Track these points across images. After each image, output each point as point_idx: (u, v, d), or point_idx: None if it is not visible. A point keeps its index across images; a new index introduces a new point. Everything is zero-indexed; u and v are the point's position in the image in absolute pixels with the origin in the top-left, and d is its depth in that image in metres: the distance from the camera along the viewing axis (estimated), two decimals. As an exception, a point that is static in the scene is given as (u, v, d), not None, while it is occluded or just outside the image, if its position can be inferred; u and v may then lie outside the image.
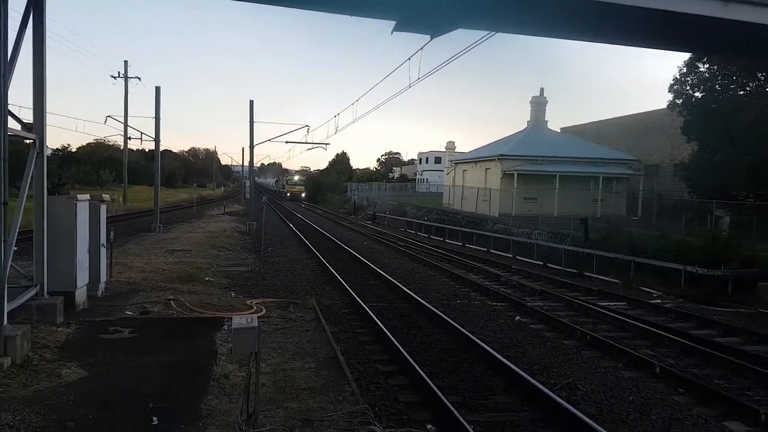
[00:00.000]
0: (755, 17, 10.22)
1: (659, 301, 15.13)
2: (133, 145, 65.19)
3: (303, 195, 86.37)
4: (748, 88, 24.15)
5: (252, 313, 11.11)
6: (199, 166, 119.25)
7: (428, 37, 10.30)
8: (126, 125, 43.77)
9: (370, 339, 10.35)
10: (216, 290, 13.94)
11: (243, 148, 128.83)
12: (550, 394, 7.36)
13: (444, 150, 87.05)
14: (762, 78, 23.62)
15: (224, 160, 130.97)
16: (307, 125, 35.01)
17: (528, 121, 42.92)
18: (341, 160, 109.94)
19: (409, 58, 12.83)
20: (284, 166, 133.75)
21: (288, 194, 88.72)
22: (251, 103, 33.98)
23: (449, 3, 8.81)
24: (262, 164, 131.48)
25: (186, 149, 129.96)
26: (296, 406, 6.72)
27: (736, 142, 21.22)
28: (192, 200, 47.59)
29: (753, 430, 6.92)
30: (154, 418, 6.07)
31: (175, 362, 7.97)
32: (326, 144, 38.87)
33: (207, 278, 15.43)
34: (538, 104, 42.64)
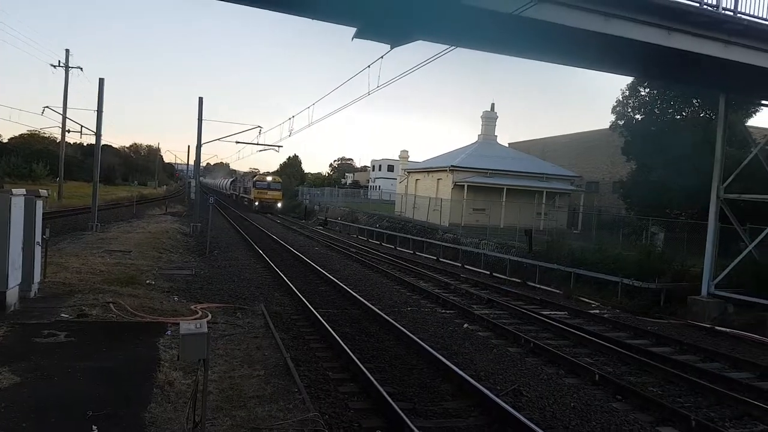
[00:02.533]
0: (695, 47, 10.88)
1: (598, 311, 15.73)
2: (71, 138, 62.28)
3: (279, 205, 58.62)
4: (684, 113, 25.58)
5: (200, 318, 10.82)
6: (141, 163, 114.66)
7: (388, 46, 10.39)
8: (65, 117, 41.79)
9: (320, 346, 10.28)
10: (158, 294, 13.48)
11: (189, 146, 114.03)
12: (497, 400, 7.53)
13: (397, 158, 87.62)
14: (697, 104, 25.07)
15: (168, 158, 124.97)
16: (259, 126, 34.14)
17: (479, 135, 43.93)
18: (293, 163, 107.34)
19: (369, 66, 12.87)
20: (232, 167, 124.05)
21: (256, 202, 58.08)
22: (200, 100, 33.11)
23: (407, 15, 8.94)
24: (208, 164, 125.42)
25: (127, 145, 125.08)
26: (244, 415, 6.59)
27: (671, 163, 22.38)
28: (132, 199, 45.93)
29: (685, 435, 7.29)
30: (94, 427, 5.80)
31: (116, 368, 7.65)
32: (279, 146, 38.08)
33: (148, 281, 14.89)
34: (489, 119, 43.76)
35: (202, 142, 34.04)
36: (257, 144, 37.91)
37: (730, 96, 15.46)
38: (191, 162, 52.40)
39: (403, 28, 9.59)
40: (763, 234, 15.03)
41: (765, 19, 11.44)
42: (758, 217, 16.61)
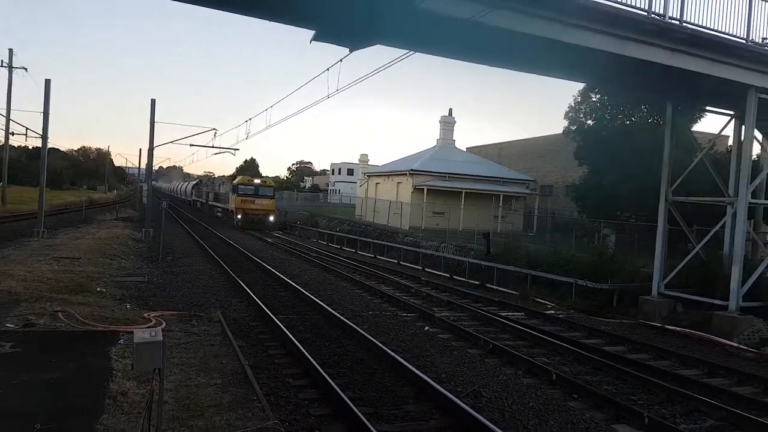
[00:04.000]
0: (645, 55, 11.28)
1: (553, 311, 16.08)
2: (15, 141, 59.66)
3: (272, 218, 42.52)
4: (633, 119, 26.52)
5: (154, 326, 10.51)
6: (90, 167, 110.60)
7: (347, 49, 10.37)
8: (8, 119, 39.95)
9: (280, 353, 10.13)
10: (109, 302, 13.02)
11: (140, 150, 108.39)
12: (457, 401, 7.59)
13: (357, 162, 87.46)
14: (645, 110, 26.02)
15: (119, 162, 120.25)
16: (214, 129, 33.08)
17: (437, 139, 44.41)
18: (250, 166, 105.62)
19: (328, 69, 12.81)
20: (186, 170, 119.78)
21: (239, 215, 41.34)
22: (152, 102, 32.27)
23: (365, 19, 8.95)
24: (160, 167, 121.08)
25: (76, 148, 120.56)
26: (202, 424, 6.43)
27: (621, 167, 23.14)
28: (81, 203, 44.30)
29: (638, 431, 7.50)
30: (43, 440, 5.55)
31: (66, 379, 7.34)
32: (235, 149, 37.34)
33: (99, 289, 14.37)
34: (447, 124, 44.33)
35: (154, 145, 33.22)
36: (212, 147, 37.25)
37: (677, 102, 16.08)
38: (143, 165, 50.44)
39: (361, 33, 9.60)
40: (709, 235, 15.67)
41: (707, 28, 11.97)
42: (704, 218, 17.33)
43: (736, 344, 12.54)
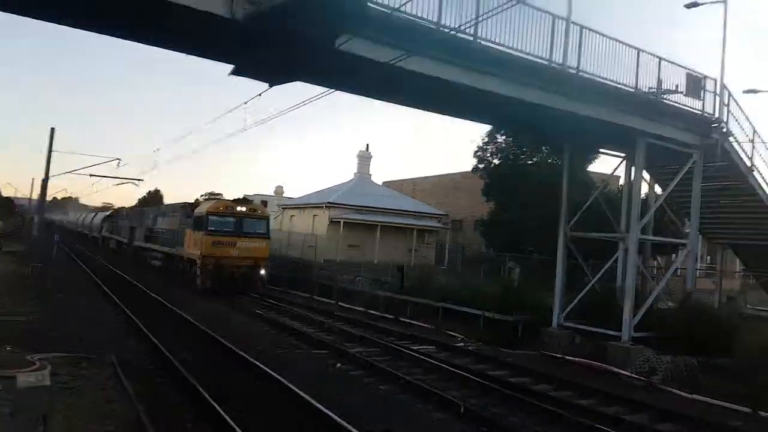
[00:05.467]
0: (545, 101, 12.08)
1: (463, 344, 16.40)
2: None
3: (263, 272, 25.02)
4: (535, 159, 28.19)
5: (35, 369, 9.59)
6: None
7: (266, 84, 10.32)
8: None
9: (180, 398, 9.54)
10: (-15, 343, 11.81)
11: (33, 179, 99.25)
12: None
13: (272, 194, 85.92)
14: (546, 151, 27.76)
15: (7, 192, 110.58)
16: (118, 159, 30.54)
17: (354, 173, 44.86)
18: (154, 198, 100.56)
19: (246, 103, 12.65)
20: (83, 201, 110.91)
21: (208, 266, 23.67)
22: (52, 130, 30.36)
23: (285, 57, 8.96)
24: (54, 198, 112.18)
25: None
26: (91, 477, 5.91)
27: (524, 204, 24.43)
28: (-41, 236, 40.06)
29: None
30: None
31: (-70, 434, 6.50)
32: (139, 180, 35.18)
33: (-26, 329, 13.04)
34: (364, 158, 44.97)
35: (51, 175, 31.01)
36: (115, 177, 35.09)
37: (574, 145, 17.26)
38: (36, 196, 45.84)
39: (281, 69, 9.60)
40: (603, 269, 16.74)
41: (602, 78, 13.02)
42: (599, 253, 18.51)
43: (628, 373, 13.24)
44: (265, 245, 25.36)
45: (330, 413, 8.53)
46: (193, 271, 24.75)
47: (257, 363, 11.64)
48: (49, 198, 54.46)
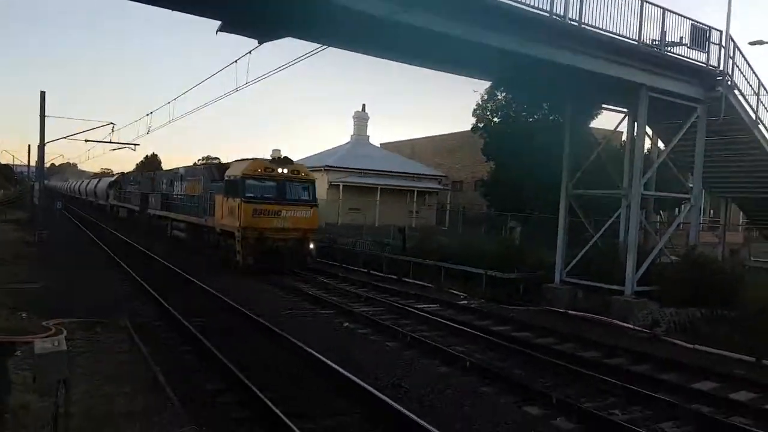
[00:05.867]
0: (546, 55, 11.93)
1: (466, 302, 16.66)
2: None
3: (312, 245, 21.69)
4: (536, 116, 27.90)
5: (52, 335, 9.80)
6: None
7: (256, 41, 10.16)
8: None
9: (194, 358, 9.78)
10: (1, 311, 12.03)
11: (29, 146, 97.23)
12: (378, 394, 7.72)
13: (269, 157, 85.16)
14: (547, 109, 27.46)
15: (5, 159, 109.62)
16: (112, 123, 29.85)
17: (351, 135, 44.51)
18: (151, 162, 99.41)
19: (236, 61, 12.45)
20: (81, 167, 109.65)
21: (249, 244, 19.80)
22: (42, 94, 29.82)
23: (274, 11, 8.80)
24: (53, 165, 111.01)
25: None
26: (113, 434, 6.14)
27: (525, 163, 24.33)
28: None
29: (547, 412, 7.96)
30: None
31: (-45, 397, 6.71)
32: (135, 144, 35.05)
33: (-13, 298, 13.26)
34: (360, 119, 44.58)
35: (46, 141, 30.77)
36: (110, 142, 34.79)
37: (576, 101, 17.09)
38: (34, 163, 45.31)
39: (270, 24, 9.44)
40: (606, 226, 16.82)
41: (604, 30, 12.81)
42: (601, 209, 18.56)
43: (631, 326, 13.49)
44: (313, 214, 21.43)
45: (339, 368, 8.77)
46: (230, 246, 21.00)
47: (267, 325, 11.86)
48: (48, 164, 53.20)
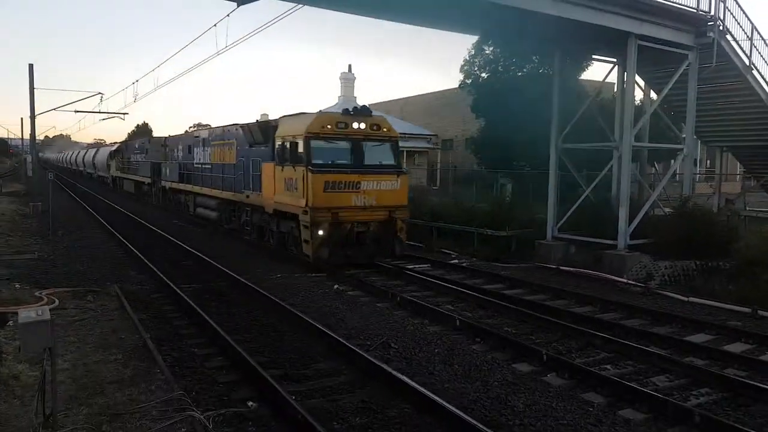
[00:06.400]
0: (529, 5, 11.61)
1: (457, 261, 16.71)
2: None
3: (402, 228, 15.39)
4: (525, 70, 27.37)
5: (43, 304, 9.81)
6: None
7: (234, 3, 9.84)
8: None
9: (184, 323, 9.78)
10: (-5, 282, 12.08)
11: (22, 119, 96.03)
12: (365, 355, 7.76)
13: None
14: (536, 61, 26.94)
15: (0, 133, 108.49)
16: (100, 93, 29.53)
17: (338, 97, 43.84)
18: (143, 131, 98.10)
19: (215, 25, 12.12)
20: (73, 138, 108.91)
21: (319, 231, 14.08)
22: (30, 66, 29.63)
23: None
24: (46, 137, 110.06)
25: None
26: (102, 402, 6.19)
27: (515, 118, 24.02)
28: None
29: (537, 368, 8.00)
30: None
31: (-58, 370, 6.71)
32: (124, 114, 34.89)
33: (-20, 269, 13.27)
34: (347, 80, 43.88)
35: (36, 113, 30.44)
36: (99, 112, 34.51)
37: (564, 51, 16.75)
38: (27, 136, 44.39)
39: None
40: (598, 179, 16.73)
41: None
42: (592, 163, 18.45)
43: (625, 280, 13.45)
44: (401, 185, 15.40)
45: (328, 331, 8.82)
46: (288, 232, 16.03)
47: (257, 289, 11.87)
48: (41, 136, 52.27)
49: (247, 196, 18.14)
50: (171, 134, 29.00)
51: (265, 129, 17.21)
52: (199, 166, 23.67)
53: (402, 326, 9.83)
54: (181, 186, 25.93)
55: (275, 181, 15.81)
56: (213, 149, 22.13)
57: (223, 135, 21.25)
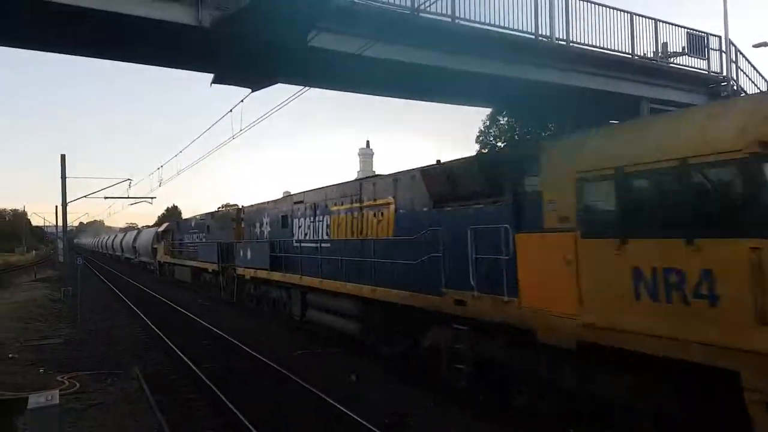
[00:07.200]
0: (536, 75, 11.92)
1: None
2: None
3: None
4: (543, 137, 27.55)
5: (67, 388, 9.94)
6: (7, 228, 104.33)
7: (249, 90, 10.44)
8: None
9: (201, 405, 9.61)
10: (20, 367, 12.33)
11: (57, 207, 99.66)
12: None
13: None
14: (552, 129, 27.16)
15: (36, 221, 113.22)
16: (129, 179, 30.17)
17: (357, 172, 45.08)
18: (173, 213, 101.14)
19: (231, 111, 12.78)
20: (106, 223, 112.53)
21: None
22: (62, 157, 31.09)
23: (264, 61, 9.05)
24: (81, 223, 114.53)
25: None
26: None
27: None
28: (-5, 268, 41.08)
29: None
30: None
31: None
32: (151, 198, 35.84)
33: (10, 355, 13.65)
34: (365, 155, 45.14)
35: (68, 201, 31.84)
36: (128, 197, 35.68)
37: (576, 118, 16.83)
38: (60, 223, 45.41)
39: (260, 72, 9.71)
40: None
41: (593, 46, 12.77)
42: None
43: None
44: None
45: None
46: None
47: (280, 370, 11.63)
48: (75, 223, 54.07)
49: (462, 302, 8.85)
50: (246, 204, 22.33)
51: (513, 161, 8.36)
52: (315, 245, 14.49)
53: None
54: (276, 276, 17.02)
55: (586, 276, 6.63)
56: (332, 216, 13.56)
57: (361, 192, 12.14)
